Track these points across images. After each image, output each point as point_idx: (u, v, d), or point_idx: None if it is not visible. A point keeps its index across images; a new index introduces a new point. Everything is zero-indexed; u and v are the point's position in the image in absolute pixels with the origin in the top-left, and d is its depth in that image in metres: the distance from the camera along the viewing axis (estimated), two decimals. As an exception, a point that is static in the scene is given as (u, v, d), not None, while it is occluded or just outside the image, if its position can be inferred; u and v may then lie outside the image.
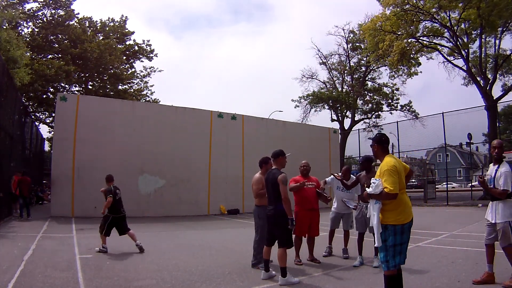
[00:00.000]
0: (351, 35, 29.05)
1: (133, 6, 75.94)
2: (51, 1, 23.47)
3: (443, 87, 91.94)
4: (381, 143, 3.48)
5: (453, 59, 21.88)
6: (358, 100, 29.17)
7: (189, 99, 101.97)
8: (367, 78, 29.82)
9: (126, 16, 28.34)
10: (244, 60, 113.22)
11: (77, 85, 26.71)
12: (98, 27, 27.15)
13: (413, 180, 32.81)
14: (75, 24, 25.04)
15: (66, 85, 25.52)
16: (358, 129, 26.10)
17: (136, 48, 28.92)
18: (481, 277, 4.16)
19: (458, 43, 20.02)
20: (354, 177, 5.97)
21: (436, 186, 25.61)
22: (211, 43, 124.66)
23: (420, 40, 21.41)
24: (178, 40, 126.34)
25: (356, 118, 29.55)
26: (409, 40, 20.56)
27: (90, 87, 26.49)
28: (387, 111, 28.91)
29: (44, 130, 30.81)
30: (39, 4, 23.29)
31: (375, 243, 3.20)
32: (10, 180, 11.18)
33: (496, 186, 4.19)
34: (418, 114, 25.96)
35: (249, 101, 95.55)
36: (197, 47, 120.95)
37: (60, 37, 24.19)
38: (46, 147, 28.58)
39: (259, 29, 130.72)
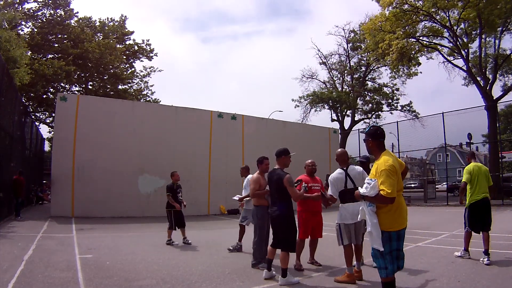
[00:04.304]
0: (352, 35, 29.09)
1: (168, 8, 75.39)
2: (50, 1, 23.47)
3: (455, 88, 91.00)
4: (376, 138, 3.05)
5: (453, 59, 21.94)
6: (358, 100, 29.18)
7: (205, 100, 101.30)
8: (367, 78, 29.84)
9: (125, 16, 28.45)
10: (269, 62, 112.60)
11: (77, 85, 26.74)
12: (97, 27, 27.15)
13: (414, 183, 32.77)
14: (74, 23, 25.02)
15: (66, 85, 25.54)
16: (358, 129, 26.06)
17: (136, 48, 28.95)
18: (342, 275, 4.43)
19: (458, 43, 20.04)
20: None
21: (436, 186, 25.57)
22: (240, 44, 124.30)
23: (420, 40, 21.41)
24: (207, 42, 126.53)
25: (356, 118, 29.61)
26: (408, 40, 20.57)
27: (90, 87, 26.51)
28: (387, 111, 28.98)
29: (44, 130, 30.78)
30: (38, 4, 23.33)
31: (374, 246, 2.91)
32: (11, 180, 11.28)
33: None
34: (418, 114, 26.03)
35: (272, 103, 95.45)
36: (224, 48, 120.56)
37: (59, 36, 24.19)
38: (46, 147, 28.57)
39: (292, 26, 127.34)
